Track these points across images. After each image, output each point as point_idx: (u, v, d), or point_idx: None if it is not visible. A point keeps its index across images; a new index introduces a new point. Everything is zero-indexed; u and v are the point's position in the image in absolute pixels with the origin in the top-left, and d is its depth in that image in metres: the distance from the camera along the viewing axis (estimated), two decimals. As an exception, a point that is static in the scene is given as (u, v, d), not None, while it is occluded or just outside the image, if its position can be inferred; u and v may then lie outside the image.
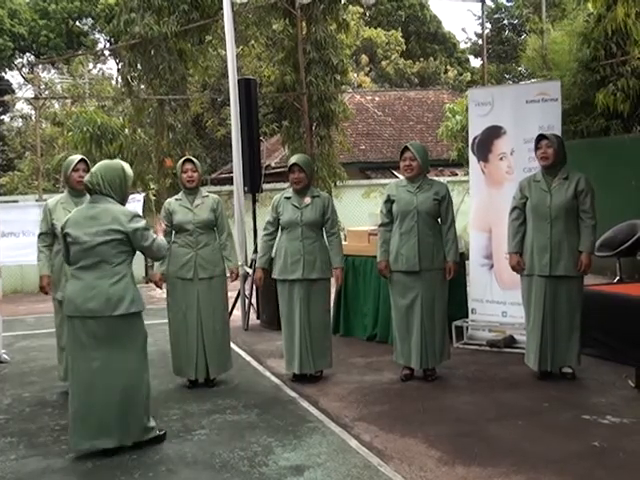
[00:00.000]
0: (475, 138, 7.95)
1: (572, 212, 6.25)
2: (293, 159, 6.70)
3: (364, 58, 34.75)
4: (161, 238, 5.24)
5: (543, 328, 6.34)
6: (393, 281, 6.58)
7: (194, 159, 6.77)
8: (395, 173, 19.27)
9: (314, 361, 6.61)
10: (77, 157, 6.54)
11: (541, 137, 6.38)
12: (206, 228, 6.59)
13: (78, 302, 4.86)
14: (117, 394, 4.88)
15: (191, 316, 6.51)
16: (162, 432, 5.22)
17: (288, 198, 6.63)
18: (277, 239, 6.75)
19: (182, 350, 6.57)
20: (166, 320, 6.70)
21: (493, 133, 7.80)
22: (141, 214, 9.31)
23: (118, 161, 5.22)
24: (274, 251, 6.75)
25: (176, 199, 6.73)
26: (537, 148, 6.38)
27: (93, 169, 5.10)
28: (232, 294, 10.02)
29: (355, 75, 32.18)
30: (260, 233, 6.93)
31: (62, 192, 7.14)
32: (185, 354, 6.56)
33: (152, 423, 5.13)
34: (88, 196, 6.31)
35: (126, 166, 5.16)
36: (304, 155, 7.46)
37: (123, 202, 5.10)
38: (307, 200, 6.55)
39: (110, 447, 4.89)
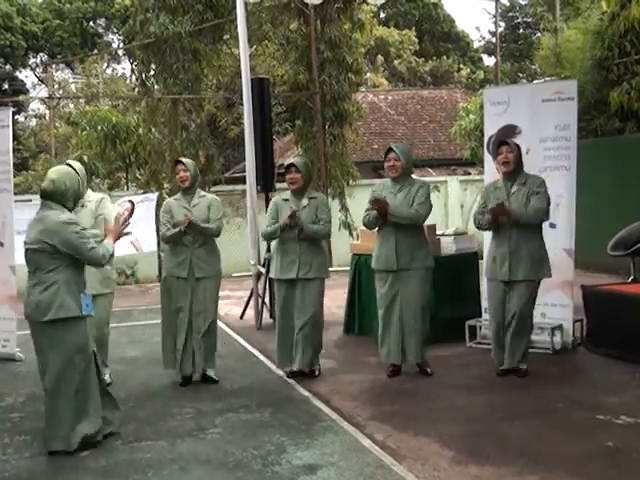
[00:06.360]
0: (490, 137, 7.94)
1: None
2: (290, 160, 6.86)
3: (380, 59, 34.65)
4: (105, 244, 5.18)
5: (504, 330, 6.49)
6: (377, 279, 6.72)
7: (185, 159, 6.90)
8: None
9: (309, 359, 6.71)
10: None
11: (501, 143, 6.46)
12: None
13: None
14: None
15: (184, 314, 6.60)
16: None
17: (286, 200, 6.72)
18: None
19: (171, 345, 6.66)
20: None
21: (508, 132, 7.76)
22: (153, 213, 9.35)
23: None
24: (272, 251, 6.83)
25: (175, 199, 6.85)
26: (498, 154, 6.46)
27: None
28: (245, 293, 10.08)
29: (369, 75, 32.09)
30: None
31: None
32: (174, 349, 6.64)
33: (89, 427, 5.08)
34: (86, 196, 6.35)
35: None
36: (303, 158, 7.56)
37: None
38: (304, 202, 6.62)
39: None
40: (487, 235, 7.89)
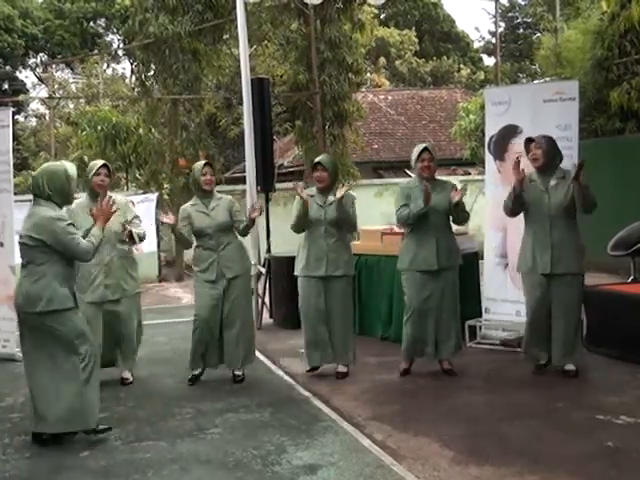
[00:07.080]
0: (492, 137, 7.94)
1: (571, 210, 6.29)
2: (317, 158, 6.85)
3: (382, 60, 34.63)
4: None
5: (544, 324, 6.44)
6: (409, 279, 6.62)
7: (212, 163, 6.87)
8: (408, 172, 19.21)
9: (337, 355, 6.72)
10: (100, 162, 6.66)
11: (529, 140, 6.46)
12: (225, 229, 6.68)
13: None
14: None
15: (216, 314, 6.59)
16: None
17: (312, 196, 6.69)
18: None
19: (202, 347, 6.63)
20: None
21: (509, 132, 7.77)
22: (154, 213, 9.36)
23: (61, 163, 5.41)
24: (296, 248, 6.84)
25: (191, 205, 6.78)
26: (527, 151, 6.47)
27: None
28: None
29: (369, 75, 32.06)
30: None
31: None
32: (204, 350, 6.63)
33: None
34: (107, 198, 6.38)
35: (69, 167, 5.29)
36: (329, 156, 7.60)
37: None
38: (331, 198, 6.61)
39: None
40: (488, 235, 7.92)
